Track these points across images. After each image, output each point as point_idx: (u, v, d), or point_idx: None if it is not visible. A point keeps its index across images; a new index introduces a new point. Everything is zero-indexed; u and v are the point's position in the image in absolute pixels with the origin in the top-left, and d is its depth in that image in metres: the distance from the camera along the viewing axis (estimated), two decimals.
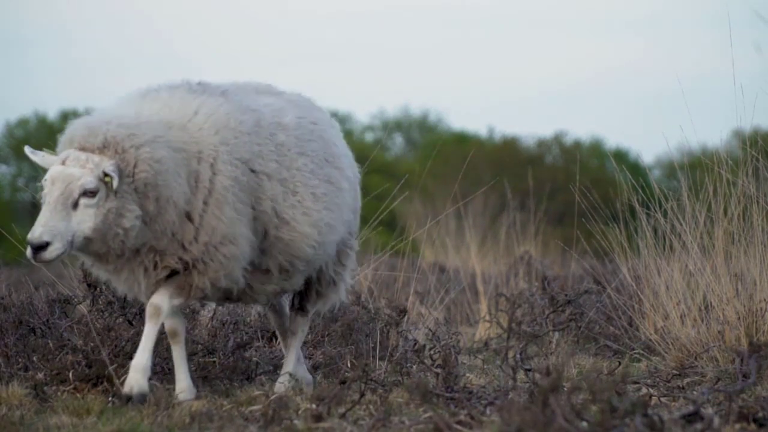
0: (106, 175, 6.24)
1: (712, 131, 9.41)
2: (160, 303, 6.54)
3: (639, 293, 8.77)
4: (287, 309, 7.40)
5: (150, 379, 6.70)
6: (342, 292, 7.37)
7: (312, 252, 6.77)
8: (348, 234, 7.21)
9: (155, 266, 6.50)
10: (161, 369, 7.27)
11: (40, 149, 6.49)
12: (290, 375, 7.11)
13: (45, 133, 32.85)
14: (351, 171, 7.18)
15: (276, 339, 8.10)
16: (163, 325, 6.68)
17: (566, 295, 9.59)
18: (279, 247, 6.71)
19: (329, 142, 7.00)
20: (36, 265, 6.37)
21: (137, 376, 6.49)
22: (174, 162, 6.39)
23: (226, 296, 6.84)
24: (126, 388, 6.49)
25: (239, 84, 7.03)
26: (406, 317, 8.27)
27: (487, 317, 10.73)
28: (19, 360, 7.18)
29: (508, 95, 65.58)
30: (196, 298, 6.68)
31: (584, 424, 4.98)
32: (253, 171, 6.61)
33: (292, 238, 6.70)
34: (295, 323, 7.30)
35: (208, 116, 6.54)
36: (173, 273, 6.57)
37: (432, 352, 7.55)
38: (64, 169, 6.28)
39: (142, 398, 6.45)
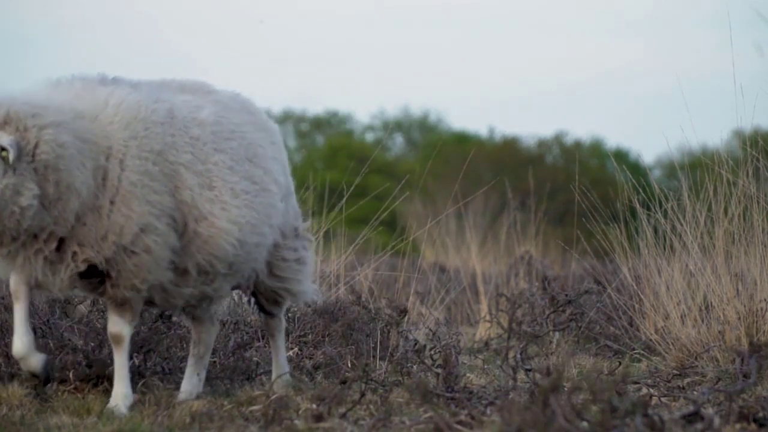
0: (2, 149, 6.04)
1: (712, 131, 9.43)
2: (119, 329, 6.41)
3: (639, 293, 8.77)
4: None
5: (145, 383, 6.70)
6: (302, 296, 7.11)
7: (232, 250, 6.50)
8: (279, 243, 6.90)
9: (74, 256, 6.27)
10: (161, 369, 7.27)
11: None
12: (289, 374, 7.12)
13: None
14: (284, 177, 6.89)
15: None
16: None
17: (566, 295, 9.59)
18: (197, 244, 6.45)
19: (254, 144, 6.73)
20: None
21: (119, 401, 6.41)
22: (78, 151, 6.19)
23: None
24: (110, 404, 6.43)
25: (165, 80, 6.80)
26: (406, 317, 8.26)
27: (488, 317, 10.72)
28: None
29: (508, 95, 65.58)
30: (141, 306, 6.49)
31: (584, 424, 4.98)
32: (167, 161, 6.39)
33: (211, 234, 6.45)
34: (269, 326, 7.17)
35: (118, 106, 6.33)
36: (94, 271, 6.35)
37: (432, 352, 7.55)
38: None
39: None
